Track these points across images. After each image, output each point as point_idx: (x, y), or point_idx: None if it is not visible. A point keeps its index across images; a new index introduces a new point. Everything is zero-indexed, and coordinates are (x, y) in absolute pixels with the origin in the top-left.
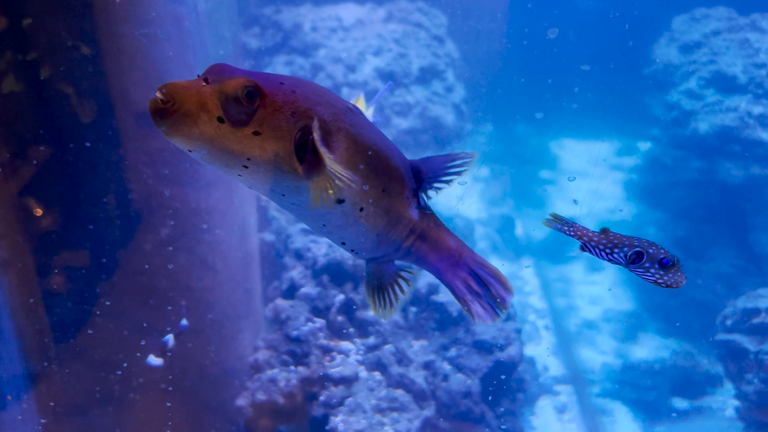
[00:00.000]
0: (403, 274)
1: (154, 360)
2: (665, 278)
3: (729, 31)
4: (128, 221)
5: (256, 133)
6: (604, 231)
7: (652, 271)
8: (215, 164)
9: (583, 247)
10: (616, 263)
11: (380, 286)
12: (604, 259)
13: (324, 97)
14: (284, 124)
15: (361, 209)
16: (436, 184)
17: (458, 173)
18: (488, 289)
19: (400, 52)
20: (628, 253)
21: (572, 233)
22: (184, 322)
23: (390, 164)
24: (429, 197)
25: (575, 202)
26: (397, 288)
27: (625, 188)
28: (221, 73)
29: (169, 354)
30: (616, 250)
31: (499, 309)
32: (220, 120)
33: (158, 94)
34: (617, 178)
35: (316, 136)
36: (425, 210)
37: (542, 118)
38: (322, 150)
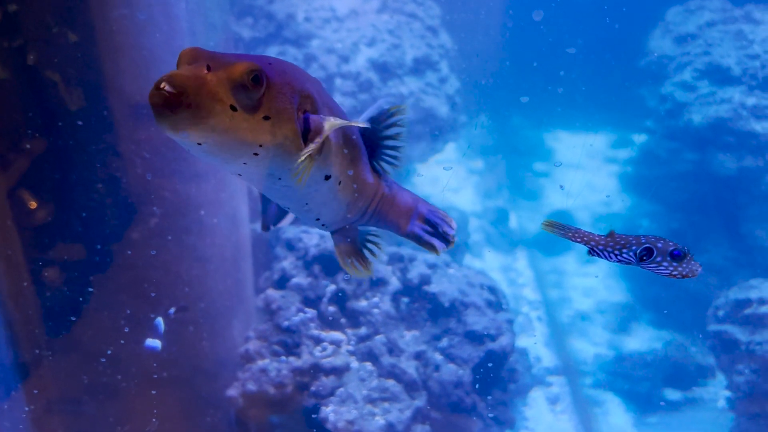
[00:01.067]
0: (370, 237)
1: (152, 342)
2: (679, 269)
3: (723, 22)
4: (120, 211)
5: (266, 118)
6: (611, 234)
7: (665, 264)
8: (221, 156)
9: (591, 252)
10: (627, 263)
11: (353, 252)
12: (613, 260)
13: (305, 74)
14: (288, 105)
15: (340, 182)
16: (388, 151)
17: (394, 127)
18: (437, 229)
19: (393, 42)
20: (638, 251)
21: (577, 239)
22: (172, 310)
23: (352, 132)
24: (387, 168)
25: (561, 188)
26: (367, 251)
27: (620, 180)
28: (218, 59)
29: (158, 339)
30: (624, 250)
31: (446, 243)
32: (233, 108)
33: (166, 86)
34: (612, 171)
35: (320, 113)
36: (379, 173)
37: (537, 111)
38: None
